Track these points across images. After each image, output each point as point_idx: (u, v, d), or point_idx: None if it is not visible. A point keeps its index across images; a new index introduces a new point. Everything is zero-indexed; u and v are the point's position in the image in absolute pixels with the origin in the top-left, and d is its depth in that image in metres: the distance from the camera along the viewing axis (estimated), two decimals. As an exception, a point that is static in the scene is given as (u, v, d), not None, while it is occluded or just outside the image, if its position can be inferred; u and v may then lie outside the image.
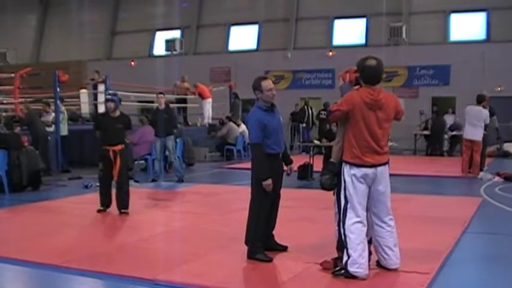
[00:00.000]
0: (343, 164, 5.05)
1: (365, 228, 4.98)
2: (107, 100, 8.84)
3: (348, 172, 4.99)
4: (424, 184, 12.30)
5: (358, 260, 4.88)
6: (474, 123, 12.99)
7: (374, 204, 5.09)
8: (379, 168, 5.01)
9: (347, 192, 4.99)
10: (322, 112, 20.85)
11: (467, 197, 10.18)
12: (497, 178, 12.40)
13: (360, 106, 4.92)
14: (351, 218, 4.94)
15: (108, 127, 8.54)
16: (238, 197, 10.44)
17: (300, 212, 8.37)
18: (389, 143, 12.66)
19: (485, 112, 13.04)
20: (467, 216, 7.91)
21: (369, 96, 4.94)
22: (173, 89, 19.95)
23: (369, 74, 4.99)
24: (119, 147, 8.49)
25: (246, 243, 5.80)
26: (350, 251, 4.90)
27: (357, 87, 5.16)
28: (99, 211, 8.54)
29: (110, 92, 9.85)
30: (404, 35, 22.51)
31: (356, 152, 4.95)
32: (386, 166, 5.10)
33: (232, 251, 6.09)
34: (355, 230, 4.91)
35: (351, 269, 4.89)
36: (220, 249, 6.15)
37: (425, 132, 20.29)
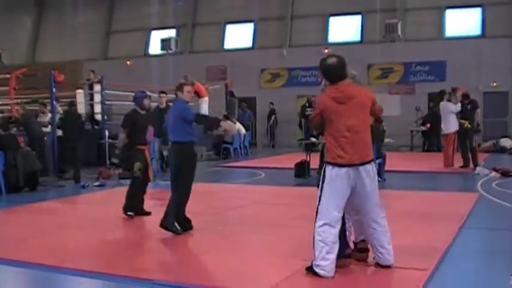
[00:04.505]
0: (325, 164, 5.01)
1: (334, 230, 4.88)
2: (145, 97, 8.28)
3: (328, 172, 4.94)
4: (421, 180, 12.31)
5: (320, 263, 4.87)
6: (443, 118, 13.90)
7: (363, 204, 5.03)
8: (362, 167, 4.91)
9: (322, 192, 4.95)
10: (309, 109, 20.69)
11: (464, 193, 10.20)
12: (493, 173, 12.42)
13: (329, 104, 4.92)
14: (320, 220, 4.91)
15: (142, 126, 8.15)
16: (235, 195, 10.47)
17: (297, 210, 8.36)
18: (386, 140, 12.81)
19: (446, 105, 13.74)
20: (465, 212, 7.92)
21: (334, 92, 4.94)
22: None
23: (330, 73, 5.01)
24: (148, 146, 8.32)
25: None
26: (316, 252, 4.90)
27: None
28: (130, 216, 8.00)
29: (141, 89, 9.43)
30: (399, 32, 22.52)
31: (337, 151, 4.89)
32: (372, 163, 5.01)
33: (229, 249, 6.08)
34: (321, 233, 4.88)
35: (316, 269, 4.91)
36: (217, 248, 6.14)
37: (423, 128, 20.25)
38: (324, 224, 4.88)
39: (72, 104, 13.71)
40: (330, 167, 4.94)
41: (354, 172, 4.88)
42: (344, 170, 4.87)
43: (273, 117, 24.13)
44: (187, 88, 7.09)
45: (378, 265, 5.16)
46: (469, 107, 13.88)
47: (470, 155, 13.67)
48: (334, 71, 5.00)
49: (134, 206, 8.14)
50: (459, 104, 13.57)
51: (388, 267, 5.10)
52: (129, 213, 8.05)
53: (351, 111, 4.89)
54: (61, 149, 13.29)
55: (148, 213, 8.19)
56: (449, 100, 13.86)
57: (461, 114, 13.71)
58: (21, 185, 10.93)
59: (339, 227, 4.93)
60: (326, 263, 4.86)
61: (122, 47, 28.16)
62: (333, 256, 4.89)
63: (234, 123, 19.25)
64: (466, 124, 13.63)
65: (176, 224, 6.83)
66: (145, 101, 8.29)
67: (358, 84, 5.26)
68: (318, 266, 4.90)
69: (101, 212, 8.70)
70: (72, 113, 13.23)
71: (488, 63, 21.12)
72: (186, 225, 6.98)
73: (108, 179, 12.41)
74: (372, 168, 5.01)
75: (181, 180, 6.87)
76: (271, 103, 24.28)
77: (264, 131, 24.52)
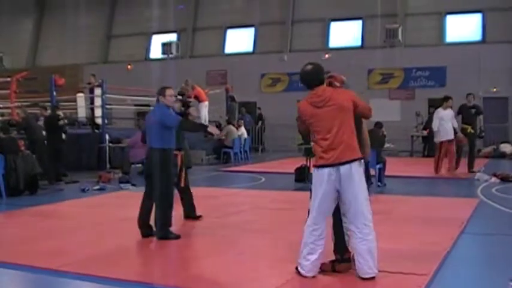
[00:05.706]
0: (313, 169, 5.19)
1: (316, 232, 4.99)
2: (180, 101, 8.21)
3: (313, 175, 5.10)
4: (421, 185, 12.30)
5: (301, 261, 5.09)
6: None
7: (345, 208, 5.01)
8: (343, 167, 4.89)
9: (310, 195, 5.12)
10: None
11: (464, 198, 10.18)
12: (493, 179, 12.41)
13: (308, 109, 5.06)
14: (308, 220, 5.09)
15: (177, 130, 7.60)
16: (235, 199, 10.46)
17: (297, 214, 8.31)
18: (386, 145, 12.81)
19: (436, 112, 13.47)
20: (465, 217, 7.92)
21: (312, 97, 5.07)
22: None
23: (305, 79, 5.14)
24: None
25: None
26: (300, 251, 5.11)
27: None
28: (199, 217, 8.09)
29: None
30: (400, 37, 22.59)
31: (319, 154, 5.01)
32: (355, 164, 4.94)
33: (229, 253, 6.08)
34: (305, 233, 5.07)
35: (298, 267, 5.13)
36: (217, 252, 6.14)
37: (424, 132, 20.16)
38: (308, 225, 5.06)
39: (57, 107, 13.66)
40: (315, 169, 5.09)
41: (336, 172, 4.91)
42: (326, 170, 4.93)
43: (260, 122, 24.26)
44: (169, 92, 6.86)
45: (358, 277, 5.02)
46: (473, 111, 13.84)
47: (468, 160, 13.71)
48: (309, 77, 5.13)
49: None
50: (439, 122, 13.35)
51: (368, 279, 4.95)
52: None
53: (329, 114, 4.98)
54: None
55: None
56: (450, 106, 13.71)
57: (464, 119, 13.69)
58: (22, 188, 10.91)
59: (322, 228, 5.02)
60: (306, 263, 5.05)
61: (122, 51, 28.23)
62: (314, 257, 5.02)
63: (240, 126, 19.39)
64: (469, 129, 13.62)
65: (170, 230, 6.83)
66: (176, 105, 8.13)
67: (346, 89, 5.31)
68: (299, 264, 5.11)
69: (101, 216, 8.70)
70: (53, 117, 13.09)
71: (488, 69, 21.17)
72: (146, 231, 6.92)
73: (108, 183, 12.40)
74: (355, 168, 4.93)
75: (163, 188, 6.75)
76: (259, 108, 24.47)
77: (265, 136, 24.53)
